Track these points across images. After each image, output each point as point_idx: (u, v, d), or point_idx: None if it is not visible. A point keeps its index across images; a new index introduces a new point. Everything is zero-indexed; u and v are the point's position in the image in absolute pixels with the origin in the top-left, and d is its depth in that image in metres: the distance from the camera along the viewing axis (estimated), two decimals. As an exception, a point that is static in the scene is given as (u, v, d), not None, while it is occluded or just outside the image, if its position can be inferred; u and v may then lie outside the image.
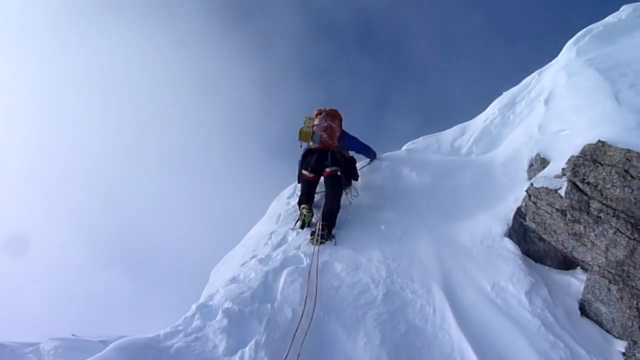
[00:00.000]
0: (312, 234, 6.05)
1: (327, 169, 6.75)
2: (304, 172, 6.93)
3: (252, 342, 3.91)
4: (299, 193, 7.19)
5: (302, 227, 6.40)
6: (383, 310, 4.50)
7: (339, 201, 6.56)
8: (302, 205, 6.53)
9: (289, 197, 7.59)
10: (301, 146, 7.25)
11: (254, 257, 5.68)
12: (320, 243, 5.80)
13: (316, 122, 7.21)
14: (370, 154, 7.85)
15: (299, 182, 7.14)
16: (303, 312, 4.39)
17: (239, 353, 3.81)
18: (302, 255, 5.48)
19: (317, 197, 7.01)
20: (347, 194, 6.83)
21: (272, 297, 4.70)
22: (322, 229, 5.99)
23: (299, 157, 7.20)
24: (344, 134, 7.48)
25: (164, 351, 3.70)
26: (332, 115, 7.36)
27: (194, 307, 4.42)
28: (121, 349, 3.50)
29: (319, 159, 6.84)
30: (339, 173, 6.76)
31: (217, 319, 4.19)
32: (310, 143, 7.07)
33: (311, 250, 5.54)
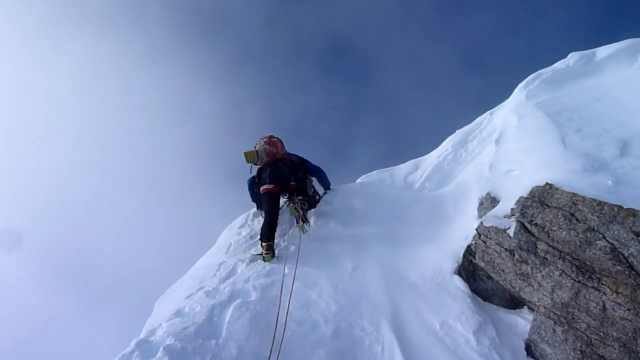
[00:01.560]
0: (294, 202, 6.69)
1: (292, 183, 7.04)
2: (264, 187, 6.94)
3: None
4: (259, 222, 7.20)
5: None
6: (332, 348, 4.40)
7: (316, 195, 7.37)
8: (264, 243, 6.34)
9: (240, 227, 7.46)
10: (251, 171, 7.35)
11: (201, 289, 5.49)
12: (297, 215, 6.48)
13: (257, 145, 7.36)
14: (323, 179, 7.90)
15: (258, 206, 7.26)
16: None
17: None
18: (252, 289, 5.33)
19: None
20: (298, 223, 6.78)
21: (217, 333, 4.51)
22: (303, 202, 6.67)
23: (248, 184, 7.39)
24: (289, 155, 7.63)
25: (97, 391, 3.48)
26: (272, 140, 7.47)
27: (133, 343, 4.19)
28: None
29: (273, 171, 7.00)
30: (297, 184, 7.08)
31: (157, 356, 3.96)
32: (259, 163, 7.21)
33: (261, 284, 5.41)
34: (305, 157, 7.78)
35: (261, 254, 6.26)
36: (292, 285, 5.17)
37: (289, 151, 7.66)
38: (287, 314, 4.72)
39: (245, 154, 7.14)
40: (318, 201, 7.51)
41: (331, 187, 8.05)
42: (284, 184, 7.01)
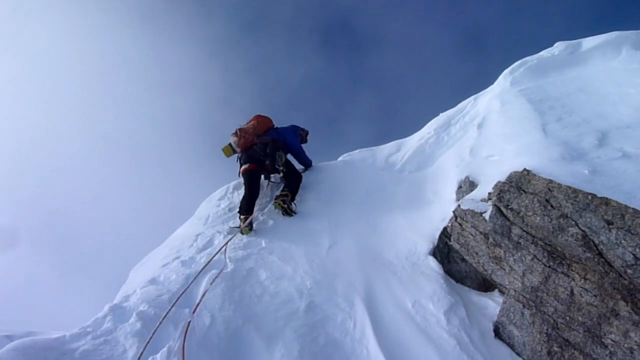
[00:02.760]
0: (277, 197, 6.68)
1: (266, 162, 7.17)
2: (242, 167, 7.19)
3: (165, 348, 3.72)
4: (238, 194, 7.32)
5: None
6: (304, 322, 4.44)
7: (297, 175, 7.39)
8: (242, 216, 6.44)
9: (219, 199, 7.44)
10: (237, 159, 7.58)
11: (177, 258, 5.50)
12: (283, 210, 6.58)
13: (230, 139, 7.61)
14: (300, 158, 8.07)
15: (243, 181, 7.21)
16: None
17: (150, 359, 3.62)
18: (227, 260, 5.34)
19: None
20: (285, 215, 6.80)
21: (191, 301, 4.54)
22: (285, 195, 6.70)
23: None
24: (275, 129, 7.92)
25: (67, 354, 3.44)
26: (254, 122, 7.75)
27: (106, 307, 4.18)
28: (19, 350, 3.22)
29: (248, 154, 7.28)
30: (268, 162, 7.17)
31: (129, 321, 3.97)
32: (238, 152, 7.56)
33: (237, 256, 5.43)
34: (294, 125, 8.15)
35: (239, 227, 6.27)
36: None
37: (279, 125, 8.02)
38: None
39: (223, 149, 7.57)
40: (299, 178, 7.51)
41: (312, 164, 8.11)
42: (261, 164, 7.19)
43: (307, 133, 8.47)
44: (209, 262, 5.21)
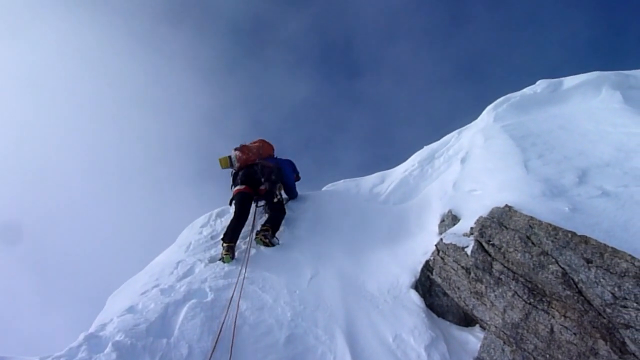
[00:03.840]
0: (258, 233, 6.62)
1: (263, 187, 7.16)
2: (236, 188, 7.21)
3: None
4: (220, 222, 7.33)
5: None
6: (284, 354, 4.38)
7: (282, 210, 7.25)
8: (225, 244, 6.33)
9: (202, 226, 7.39)
10: (232, 174, 7.62)
11: (156, 286, 5.41)
12: (264, 244, 6.50)
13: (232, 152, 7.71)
14: (291, 192, 8.07)
15: (231, 204, 7.20)
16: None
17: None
18: (207, 290, 5.27)
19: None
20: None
21: (169, 331, 4.45)
22: (267, 230, 6.53)
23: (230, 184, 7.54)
24: (275, 158, 8.00)
25: (38, 384, 3.37)
26: (260, 144, 7.89)
27: (81, 336, 4.09)
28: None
29: (245, 173, 7.33)
30: (268, 188, 7.16)
31: (105, 352, 3.87)
32: (233, 168, 7.62)
33: (217, 285, 5.36)
34: (291, 160, 8.26)
35: (221, 255, 6.23)
36: (240, 288, 5.14)
37: (279, 156, 8.12)
38: (237, 315, 4.70)
39: (220, 160, 7.71)
40: (283, 213, 7.44)
41: (297, 196, 8.14)
42: (255, 187, 7.20)
43: (298, 178, 8.47)
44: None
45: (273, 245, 6.59)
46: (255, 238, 6.61)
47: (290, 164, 8.20)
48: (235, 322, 4.68)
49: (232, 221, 6.75)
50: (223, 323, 4.61)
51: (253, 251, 6.32)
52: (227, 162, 7.66)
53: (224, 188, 7.62)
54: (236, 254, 6.30)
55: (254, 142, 7.92)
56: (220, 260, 6.18)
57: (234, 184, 7.40)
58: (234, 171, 7.59)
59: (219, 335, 4.42)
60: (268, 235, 6.59)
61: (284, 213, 7.30)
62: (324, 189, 8.70)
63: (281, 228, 7.05)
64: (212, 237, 6.97)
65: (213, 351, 4.22)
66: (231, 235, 6.46)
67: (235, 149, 7.63)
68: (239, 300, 5.04)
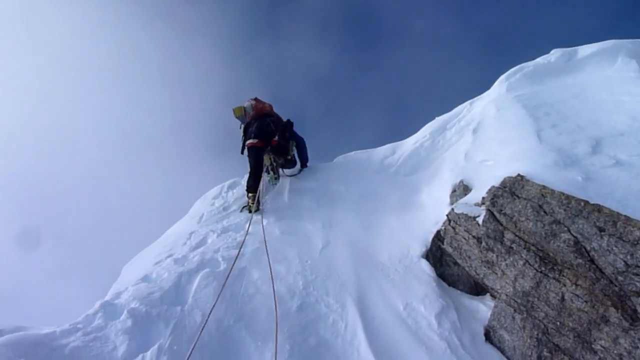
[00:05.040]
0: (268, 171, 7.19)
1: (274, 138, 7.46)
2: (249, 141, 7.39)
3: (155, 347, 3.72)
4: (232, 194, 7.55)
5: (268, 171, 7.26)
6: (295, 322, 4.45)
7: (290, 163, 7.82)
8: (250, 194, 6.87)
9: (214, 198, 7.44)
10: (240, 127, 7.87)
11: (169, 256, 5.49)
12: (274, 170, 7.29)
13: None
14: (302, 150, 8.25)
15: (248, 156, 7.42)
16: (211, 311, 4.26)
17: (139, 357, 3.60)
18: (220, 259, 5.34)
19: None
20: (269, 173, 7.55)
21: (183, 299, 4.53)
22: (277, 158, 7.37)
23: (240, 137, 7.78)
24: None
25: (57, 350, 3.43)
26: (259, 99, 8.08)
27: (97, 304, 4.17)
28: (9, 345, 3.21)
29: (260, 126, 7.51)
30: (281, 143, 7.53)
31: (120, 319, 3.96)
32: (246, 118, 7.80)
33: (230, 255, 5.42)
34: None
35: (247, 205, 6.75)
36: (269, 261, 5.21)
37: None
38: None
39: (234, 109, 7.90)
40: (294, 165, 7.99)
41: (307, 164, 8.15)
42: (268, 139, 7.43)
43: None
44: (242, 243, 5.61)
45: (275, 172, 7.48)
46: (265, 156, 7.25)
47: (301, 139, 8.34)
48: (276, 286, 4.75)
49: (250, 175, 7.13)
50: (223, 286, 4.68)
51: (265, 222, 6.37)
52: (241, 111, 7.82)
53: (236, 160, 7.72)
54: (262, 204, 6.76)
55: (267, 102, 8.13)
56: (246, 209, 6.80)
57: (247, 137, 7.55)
58: (244, 124, 7.79)
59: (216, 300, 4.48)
60: (277, 162, 7.34)
61: (296, 164, 7.82)
62: (335, 160, 8.69)
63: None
64: (224, 209, 7.03)
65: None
66: (254, 187, 6.89)
67: (251, 99, 7.88)
68: (270, 264, 5.09)
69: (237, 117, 7.92)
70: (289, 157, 7.68)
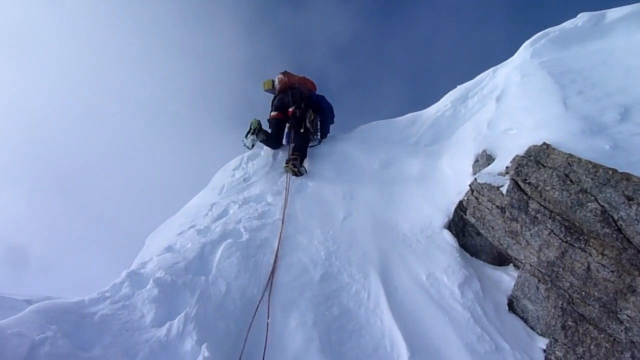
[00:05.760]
0: (287, 161, 6.95)
1: (290, 109, 7.75)
2: (271, 114, 7.95)
3: (182, 315, 3.78)
4: (252, 165, 7.57)
5: (248, 133, 7.41)
6: (319, 292, 4.48)
7: (306, 136, 7.56)
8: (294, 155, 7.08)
9: (234, 169, 7.44)
10: (272, 101, 8.14)
11: (192, 227, 5.53)
12: (293, 173, 6.76)
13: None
14: (327, 118, 8.26)
15: (269, 127, 7.92)
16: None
17: (167, 325, 3.67)
18: (242, 230, 5.37)
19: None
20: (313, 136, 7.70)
21: (207, 269, 4.58)
22: (295, 159, 6.90)
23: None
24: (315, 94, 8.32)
25: (87, 317, 3.52)
26: (303, 78, 8.39)
27: (124, 273, 4.24)
28: (40, 312, 3.29)
29: (281, 99, 7.91)
30: (297, 113, 7.62)
31: (147, 288, 4.02)
32: (274, 91, 8.22)
33: (252, 226, 5.46)
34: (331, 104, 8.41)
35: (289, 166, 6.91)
36: (282, 228, 5.24)
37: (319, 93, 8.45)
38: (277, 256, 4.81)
39: (264, 82, 8.42)
40: (312, 139, 7.92)
41: (328, 135, 8.12)
42: (285, 110, 7.84)
43: (333, 121, 8.64)
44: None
45: (301, 174, 6.89)
46: (285, 167, 6.92)
47: (329, 103, 8.38)
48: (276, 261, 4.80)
49: (271, 146, 7.70)
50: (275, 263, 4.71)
51: (285, 192, 6.38)
52: (270, 84, 8.32)
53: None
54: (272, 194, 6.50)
55: (299, 75, 8.36)
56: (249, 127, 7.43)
57: (271, 110, 8.02)
58: (274, 96, 8.12)
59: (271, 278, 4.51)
60: (297, 164, 6.88)
61: (308, 142, 7.65)
62: (355, 130, 8.63)
63: (312, 170, 7.07)
64: (245, 180, 7.03)
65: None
66: (275, 145, 7.60)
67: (280, 73, 8.21)
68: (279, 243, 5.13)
69: (266, 90, 8.41)
70: (307, 126, 7.67)
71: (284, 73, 8.18)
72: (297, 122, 7.62)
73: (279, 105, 7.86)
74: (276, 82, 8.16)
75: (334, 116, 8.41)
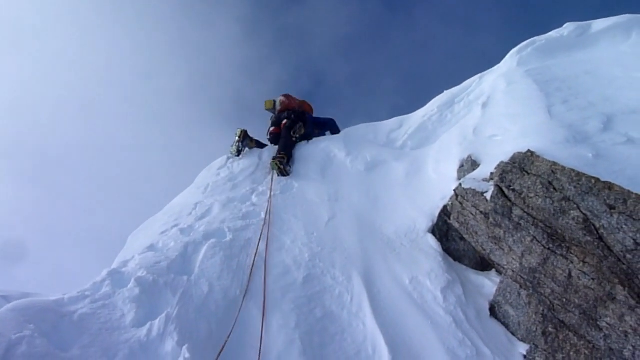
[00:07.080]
0: (274, 158, 7.11)
1: (284, 122, 8.23)
2: (269, 129, 8.52)
3: (163, 315, 3.74)
4: (238, 165, 7.70)
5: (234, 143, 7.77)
6: (301, 293, 4.48)
7: (291, 138, 7.86)
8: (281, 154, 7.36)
9: (219, 168, 7.43)
10: (271, 119, 8.71)
11: (175, 226, 5.50)
12: (280, 170, 6.94)
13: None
14: (333, 127, 8.95)
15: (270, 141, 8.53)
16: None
17: (148, 325, 3.62)
18: (226, 230, 5.35)
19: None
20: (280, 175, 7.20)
21: (189, 269, 4.55)
22: (282, 157, 7.12)
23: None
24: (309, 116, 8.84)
25: (66, 316, 3.46)
26: (303, 101, 9.03)
27: (104, 272, 4.19)
28: (18, 311, 3.23)
29: (278, 117, 8.51)
30: (288, 124, 8.09)
31: (128, 287, 3.98)
32: (275, 111, 8.71)
33: (236, 226, 5.43)
34: (332, 119, 9.15)
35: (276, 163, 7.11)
36: (268, 230, 5.22)
37: (320, 116, 9.12)
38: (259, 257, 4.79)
39: (266, 101, 8.98)
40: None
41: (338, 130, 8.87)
42: (279, 125, 8.31)
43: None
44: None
45: (287, 173, 7.03)
46: (271, 162, 7.09)
47: (328, 120, 9.10)
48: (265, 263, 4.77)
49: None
50: (253, 264, 4.69)
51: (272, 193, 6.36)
52: (272, 104, 8.85)
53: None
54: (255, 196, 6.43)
55: (299, 98, 9.00)
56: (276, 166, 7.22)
57: (270, 126, 8.58)
58: (273, 115, 8.67)
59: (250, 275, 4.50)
60: (283, 162, 7.05)
61: (294, 146, 7.88)
62: (341, 132, 8.65)
63: (297, 171, 7.07)
64: (230, 179, 7.01)
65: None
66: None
67: (282, 95, 8.77)
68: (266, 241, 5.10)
69: (266, 110, 8.94)
70: (293, 133, 8.02)
71: (286, 96, 8.75)
72: (287, 131, 7.96)
73: (276, 122, 8.47)
74: (277, 104, 8.69)
75: (338, 130, 8.88)
